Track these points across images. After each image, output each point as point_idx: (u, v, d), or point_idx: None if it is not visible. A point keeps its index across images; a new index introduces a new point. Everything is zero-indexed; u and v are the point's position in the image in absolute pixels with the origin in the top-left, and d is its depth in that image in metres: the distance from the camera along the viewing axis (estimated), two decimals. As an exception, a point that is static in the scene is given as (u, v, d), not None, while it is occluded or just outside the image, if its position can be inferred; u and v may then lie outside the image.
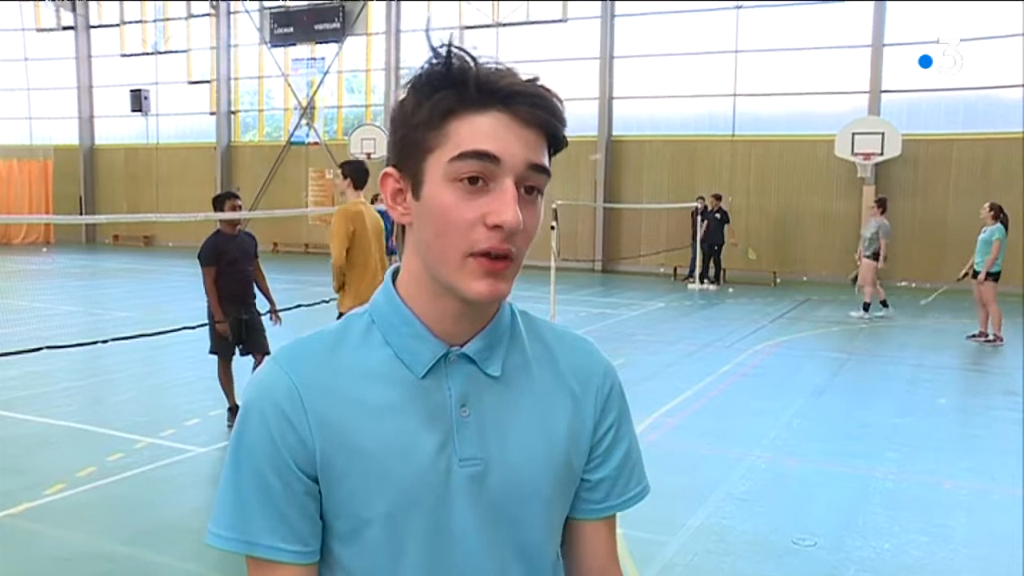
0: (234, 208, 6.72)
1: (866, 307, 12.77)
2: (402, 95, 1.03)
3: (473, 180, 0.98)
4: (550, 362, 1.14)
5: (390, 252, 14.40)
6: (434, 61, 1.00)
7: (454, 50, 0.99)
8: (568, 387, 1.14)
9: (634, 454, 1.19)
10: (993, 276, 10.71)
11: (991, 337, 10.81)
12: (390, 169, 1.05)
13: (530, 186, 1.00)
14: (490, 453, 1.06)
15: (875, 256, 12.48)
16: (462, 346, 1.07)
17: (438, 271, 1.02)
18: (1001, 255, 10.64)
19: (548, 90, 1.01)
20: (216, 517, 1.04)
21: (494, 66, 1.00)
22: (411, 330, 1.06)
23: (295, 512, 1.02)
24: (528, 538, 1.10)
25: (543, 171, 1.01)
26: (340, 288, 6.05)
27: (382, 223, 6.31)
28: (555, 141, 1.03)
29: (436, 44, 1.01)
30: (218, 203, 6.82)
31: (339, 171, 6.38)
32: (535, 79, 1.01)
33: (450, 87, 0.98)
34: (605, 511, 1.18)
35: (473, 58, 0.99)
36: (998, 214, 10.76)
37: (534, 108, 0.99)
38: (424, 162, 1.00)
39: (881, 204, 12.94)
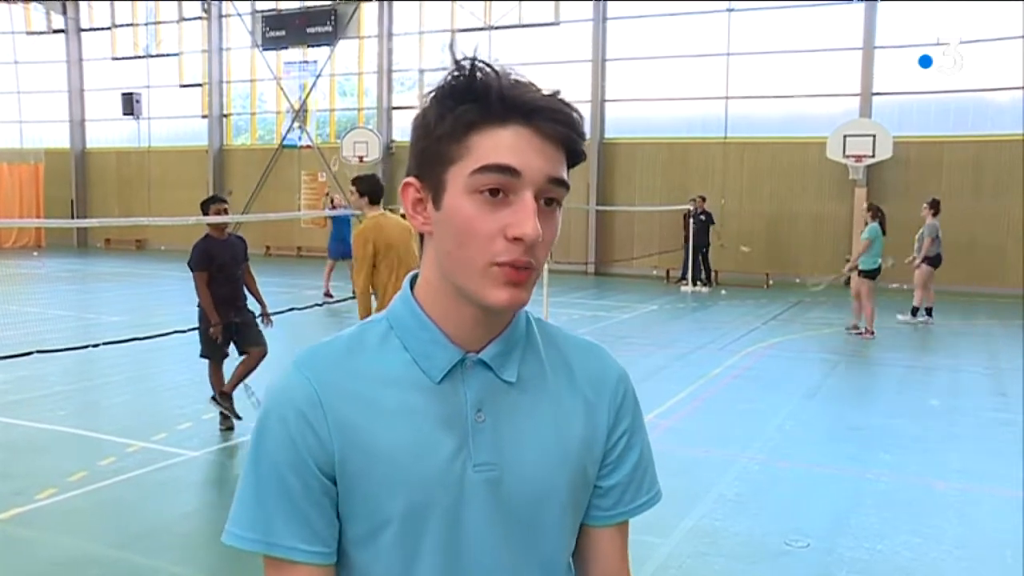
0: (219, 212, 6.71)
1: (915, 311, 12.72)
2: (424, 105, 1.04)
3: (494, 192, 0.99)
4: (565, 369, 1.15)
5: (341, 256, 14.17)
6: (457, 73, 1.01)
7: (478, 63, 1.01)
8: (582, 393, 1.15)
9: (645, 460, 1.20)
10: (867, 274, 11.20)
11: (862, 330, 11.33)
12: (411, 179, 1.07)
13: (549, 198, 1.02)
14: (505, 458, 1.07)
15: (929, 259, 12.43)
16: (478, 352, 1.08)
17: (459, 279, 1.03)
18: (877, 253, 11.16)
19: (568, 105, 1.03)
20: (235, 517, 1.05)
21: (516, 79, 1.02)
22: (429, 336, 1.07)
23: (315, 512, 1.04)
24: (542, 543, 1.11)
25: (562, 184, 1.03)
26: (367, 315, 5.48)
27: (410, 227, 5.74)
28: (574, 155, 1.05)
29: (460, 56, 1.02)
30: (204, 208, 6.82)
31: (352, 188, 6.09)
32: (556, 93, 1.03)
33: (473, 100, 1.00)
34: (616, 518, 1.19)
35: (496, 71, 1.01)
36: (876, 214, 11.28)
37: (555, 123, 1.01)
38: (446, 173, 1.02)
39: (933, 206, 12.68)
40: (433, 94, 1.03)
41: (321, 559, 1.04)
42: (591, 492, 1.16)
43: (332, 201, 15.10)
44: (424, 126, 1.04)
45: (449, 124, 1.01)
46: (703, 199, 17.36)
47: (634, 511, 1.20)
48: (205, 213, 6.74)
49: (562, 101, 1.02)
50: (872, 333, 11.27)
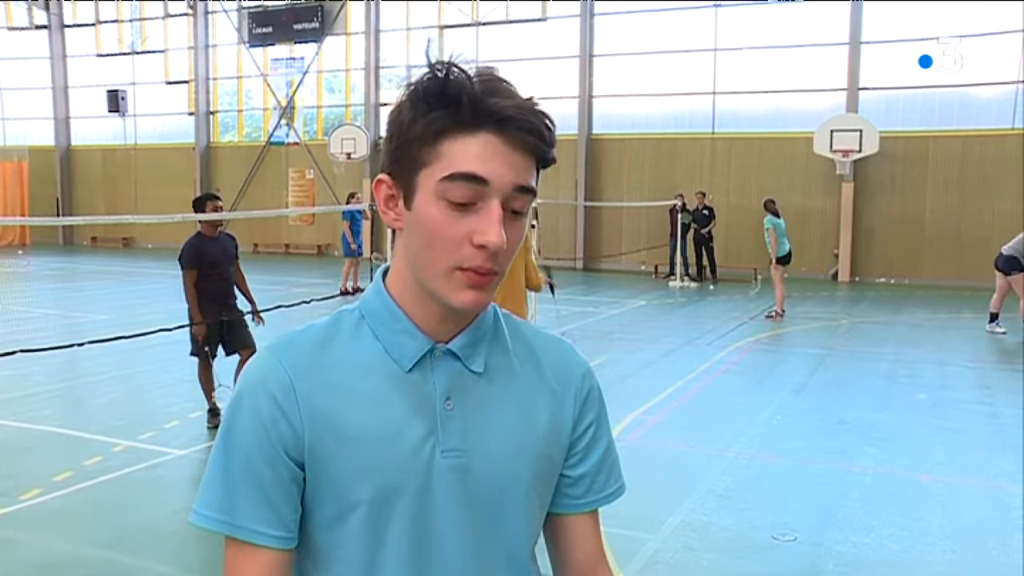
0: (215, 209, 6.69)
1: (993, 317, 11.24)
2: (399, 101, 1.06)
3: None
4: (532, 360, 1.19)
5: (350, 254, 14.42)
6: (430, 76, 1.02)
7: (453, 67, 1.02)
8: (548, 384, 1.18)
9: (612, 453, 1.25)
10: (779, 260, 12.18)
11: (771, 312, 12.38)
12: (384, 176, 1.09)
13: (516, 205, 1.05)
14: (472, 445, 1.10)
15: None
16: (447, 342, 1.11)
17: (425, 278, 1.06)
18: (780, 241, 12.10)
19: (539, 113, 1.04)
20: (202, 498, 1.07)
21: (491, 81, 1.03)
22: (399, 326, 1.10)
23: (280, 498, 1.06)
24: (507, 528, 1.14)
25: (529, 192, 1.05)
26: None
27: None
28: (543, 161, 1.07)
29: (434, 59, 1.03)
30: (199, 205, 6.78)
31: None
32: (529, 99, 1.04)
33: (444, 107, 1.01)
34: (587, 506, 1.22)
35: (469, 77, 1.02)
36: (769, 208, 12.30)
37: (524, 133, 1.02)
38: (417, 175, 1.04)
39: None
40: (408, 93, 1.05)
41: (282, 543, 1.07)
42: (557, 480, 1.20)
43: (351, 198, 15.06)
44: (398, 125, 1.05)
45: (421, 128, 1.02)
46: (703, 195, 17.50)
47: (604, 500, 1.23)
48: (200, 210, 6.70)
49: (532, 110, 1.03)
50: (780, 315, 12.25)
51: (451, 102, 1.01)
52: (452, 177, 1.01)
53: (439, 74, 1.02)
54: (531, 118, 1.02)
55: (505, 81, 1.04)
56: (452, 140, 1.01)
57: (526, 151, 1.03)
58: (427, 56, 1.04)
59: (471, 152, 1.01)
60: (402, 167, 1.05)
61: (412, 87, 1.04)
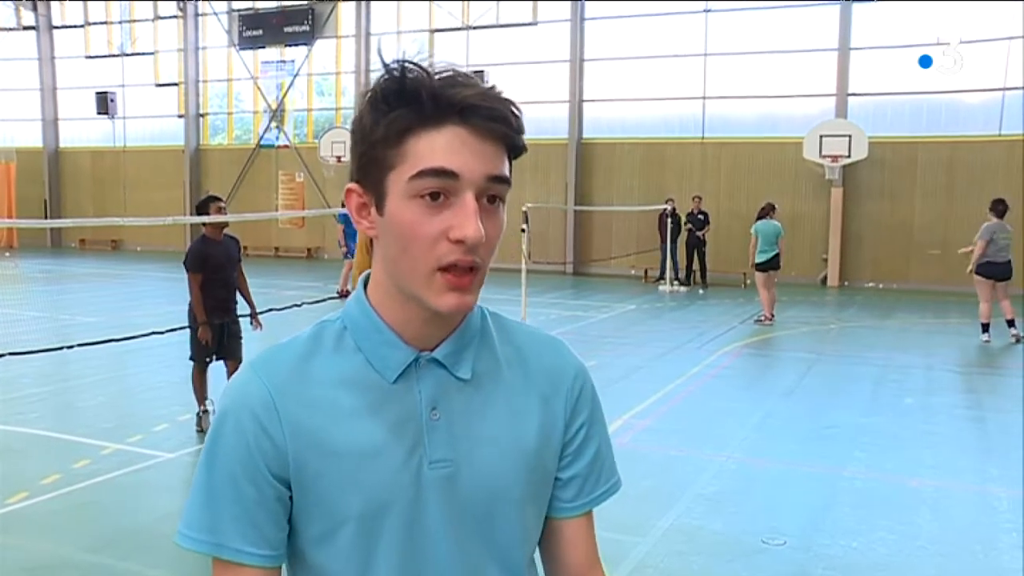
0: (219, 211, 6.68)
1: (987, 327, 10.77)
2: (359, 108, 1.03)
3: (434, 196, 0.99)
4: (520, 363, 1.16)
5: (347, 256, 14.48)
6: (387, 76, 1.00)
7: (408, 65, 0.99)
8: (538, 388, 1.15)
9: (604, 452, 1.21)
10: (757, 266, 12.26)
11: (759, 317, 12.41)
12: (353, 185, 1.06)
13: (492, 195, 1.01)
14: (460, 455, 1.08)
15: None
16: (432, 350, 1.08)
17: (405, 284, 1.03)
18: (761, 247, 12.15)
19: (504, 100, 1.01)
20: (187, 518, 1.06)
21: (449, 74, 1.00)
22: (382, 337, 1.08)
23: (264, 517, 1.04)
24: (500, 538, 1.11)
25: (503, 181, 1.01)
26: None
27: None
28: (514, 149, 1.03)
29: (389, 57, 1.01)
30: (203, 207, 6.76)
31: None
32: (492, 87, 1.01)
33: (405, 105, 0.99)
34: (577, 509, 1.19)
35: (427, 71, 0.99)
36: (761, 214, 12.42)
37: (491, 121, 0.99)
38: (385, 179, 1.01)
39: (993, 207, 11.08)
40: (367, 98, 1.02)
41: (268, 562, 1.06)
42: (552, 485, 1.17)
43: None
44: (361, 131, 1.03)
45: (383, 130, 1.00)
46: (699, 199, 17.61)
47: (595, 500, 1.20)
48: (204, 213, 6.69)
49: (497, 96, 1.00)
50: (768, 319, 12.27)
51: (411, 99, 0.98)
52: (421, 175, 0.98)
53: (395, 73, 0.99)
54: (496, 105, 0.99)
55: (465, 73, 1.01)
56: (417, 137, 0.98)
57: (495, 139, 1.00)
58: (380, 57, 1.01)
59: (437, 146, 0.98)
60: (369, 173, 1.02)
61: (370, 91, 1.01)
